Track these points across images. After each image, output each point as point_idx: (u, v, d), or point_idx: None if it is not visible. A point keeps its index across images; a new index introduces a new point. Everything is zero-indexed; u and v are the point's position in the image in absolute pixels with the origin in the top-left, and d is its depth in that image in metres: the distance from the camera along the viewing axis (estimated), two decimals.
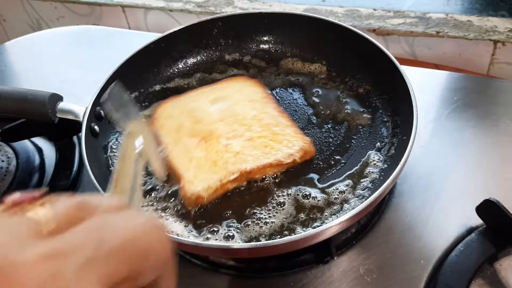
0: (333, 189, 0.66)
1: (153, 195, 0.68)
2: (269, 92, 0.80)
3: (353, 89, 0.80)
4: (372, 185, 0.66)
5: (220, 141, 0.70)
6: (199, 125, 0.73)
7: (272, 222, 0.63)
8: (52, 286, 0.22)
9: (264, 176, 0.68)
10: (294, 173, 0.69)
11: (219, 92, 0.78)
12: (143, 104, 0.82)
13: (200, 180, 0.66)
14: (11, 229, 0.24)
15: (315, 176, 0.68)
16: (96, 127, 0.73)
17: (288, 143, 0.68)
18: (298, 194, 0.66)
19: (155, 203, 0.67)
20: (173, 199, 0.67)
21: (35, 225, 0.25)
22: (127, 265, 0.25)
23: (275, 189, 0.67)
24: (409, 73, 0.70)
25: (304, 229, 0.61)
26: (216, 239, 0.62)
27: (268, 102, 0.76)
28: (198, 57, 0.90)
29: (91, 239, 0.25)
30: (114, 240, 0.25)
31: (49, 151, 0.86)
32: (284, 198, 0.66)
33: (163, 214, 0.65)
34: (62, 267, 0.23)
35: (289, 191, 0.66)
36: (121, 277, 0.25)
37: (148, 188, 0.69)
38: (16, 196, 0.26)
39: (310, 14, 0.87)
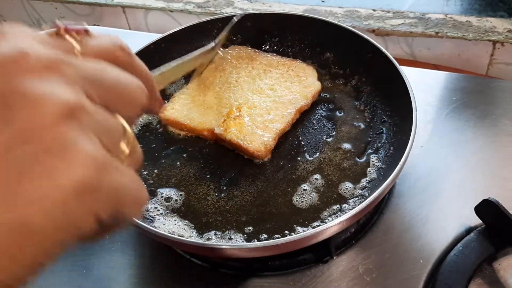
0: None
1: (156, 195, 0.68)
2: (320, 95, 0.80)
3: (353, 89, 0.81)
4: (371, 185, 0.66)
5: (235, 103, 0.76)
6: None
7: None
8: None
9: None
10: (294, 173, 0.69)
11: (280, 71, 0.81)
12: None
13: (181, 108, 0.77)
14: (51, 42, 0.29)
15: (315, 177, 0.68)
16: None
17: (253, 137, 0.70)
18: (298, 194, 0.66)
19: (158, 205, 0.67)
20: (175, 199, 0.67)
21: (71, 46, 0.30)
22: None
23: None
24: (408, 73, 0.70)
25: (304, 229, 0.62)
26: (217, 240, 0.62)
27: (297, 104, 0.75)
28: None
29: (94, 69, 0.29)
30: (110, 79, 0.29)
31: None
32: None
33: (165, 214, 0.66)
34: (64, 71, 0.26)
35: (289, 191, 0.67)
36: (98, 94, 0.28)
37: (152, 189, 0.69)
38: (66, 24, 0.31)
39: (310, 15, 0.87)
